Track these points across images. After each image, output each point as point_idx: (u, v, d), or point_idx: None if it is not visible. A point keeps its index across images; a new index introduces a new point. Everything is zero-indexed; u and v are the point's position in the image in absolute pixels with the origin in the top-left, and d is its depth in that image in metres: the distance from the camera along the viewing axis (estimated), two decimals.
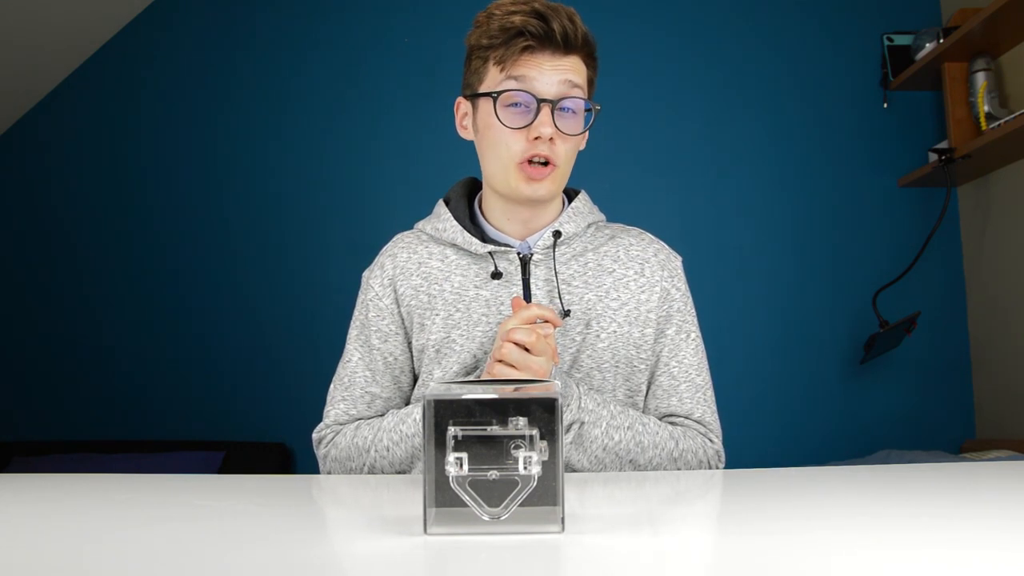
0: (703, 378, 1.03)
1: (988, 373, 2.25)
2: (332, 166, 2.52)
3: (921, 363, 2.31)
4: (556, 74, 0.92)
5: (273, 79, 2.57)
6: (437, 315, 0.98)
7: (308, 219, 2.51)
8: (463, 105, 1.02)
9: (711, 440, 1.00)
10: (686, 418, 1.00)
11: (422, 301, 1.00)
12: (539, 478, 0.52)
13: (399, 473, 0.95)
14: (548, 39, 0.91)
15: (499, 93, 0.92)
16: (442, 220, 1.03)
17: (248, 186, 2.54)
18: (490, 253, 0.99)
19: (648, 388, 1.03)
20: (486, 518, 0.52)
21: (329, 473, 1.00)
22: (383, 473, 0.96)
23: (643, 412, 1.02)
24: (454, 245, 1.02)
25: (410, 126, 2.50)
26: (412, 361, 1.03)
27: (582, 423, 0.90)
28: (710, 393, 1.03)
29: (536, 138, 0.92)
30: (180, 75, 2.61)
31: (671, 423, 1.00)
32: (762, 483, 0.81)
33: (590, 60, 0.98)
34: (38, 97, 2.63)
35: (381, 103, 2.53)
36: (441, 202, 1.07)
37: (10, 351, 2.56)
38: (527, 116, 0.92)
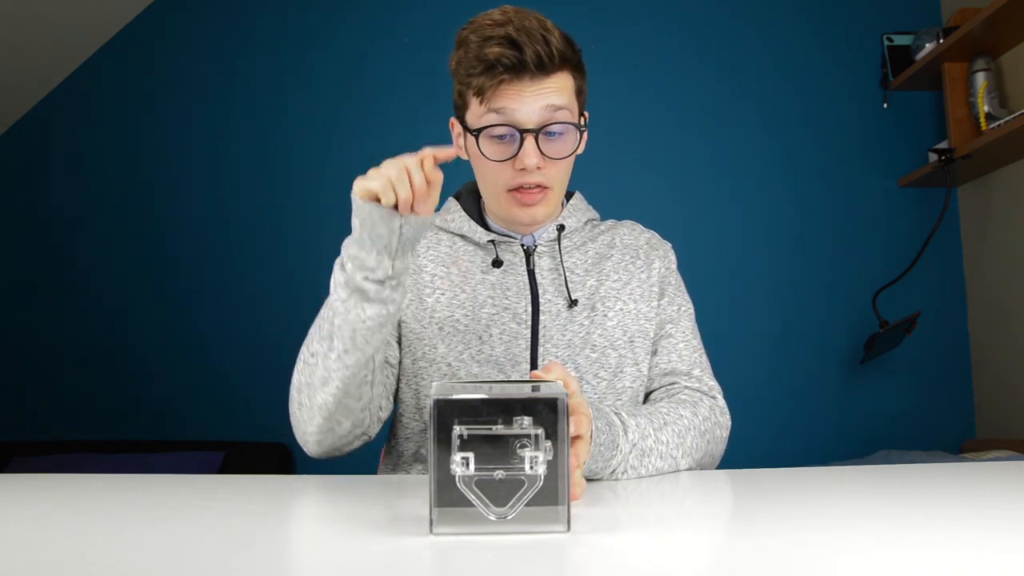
0: (699, 341, 1.08)
1: (988, 373, 2.25)
2: (333, 166, 2.52)
3: (921, 363, 2.31)
4: (537, 100, 0.91)
5: (273, 80, 2.57)
6: (443, 294, 1.01)
7: (309, 219, 2.50)
8: (456, 125, 1.02)
9: (714, 397, 1.01)
10: (687, 375, 1.03)
11: (424, 279, 1.03)
12: (545, 477, 0.52)
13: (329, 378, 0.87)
14: (523, 67, 0.90)
15: (480, 130, 0.93)
16: (451, 212, 1.08)
17: (248, 186, 2.54)
18: (491, 242, 1.03)
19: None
20: (492, 518, 0.52)
21: (298, 389, 0.93)
22: (314, 386, 0.89)
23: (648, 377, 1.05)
24: (461, 235, 1.06)
25: (410, 126, 2.50)
26: (400, 329, 1.03)
27: (634, 444, 0.86)
28: (706, 359, 1.07)
29: (523, 168, 0.93)
30: (180, 75, 2.61)
31: (672, 383, 1.02)
32: (762, 483, 0.81)
33: (574, 72, 0.97)
34: (39, 97, 2.62)
35: (381, 103, 2.53)
36: (451, 198, 1.11)
37: (10, 351, 2.56)
38: (512, 147, 0.92)
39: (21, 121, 2.64)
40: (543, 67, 0.91)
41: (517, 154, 0.92)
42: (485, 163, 0.95)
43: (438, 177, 0.79)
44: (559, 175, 0.97)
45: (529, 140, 0.91)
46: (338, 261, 0.85)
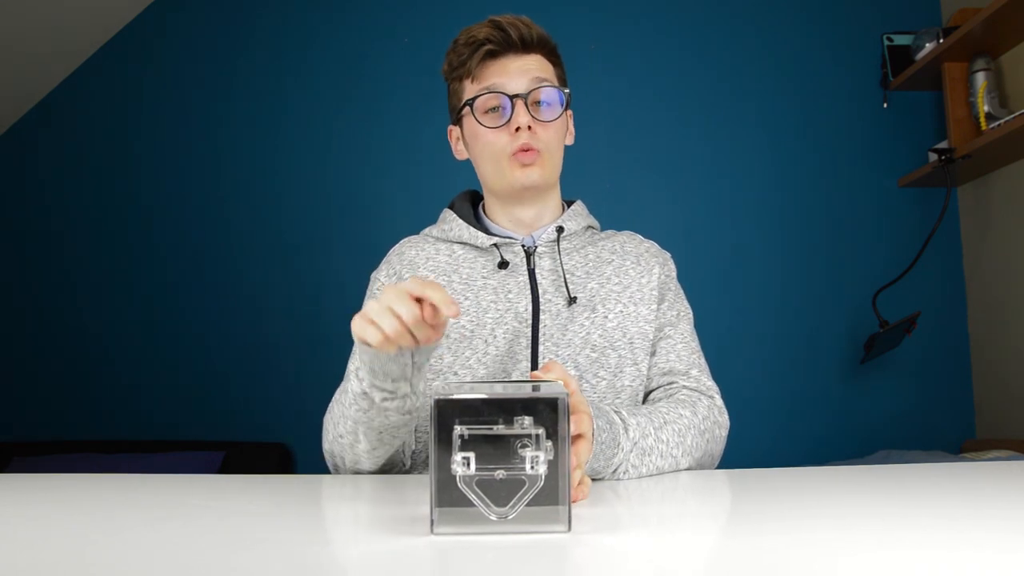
0: (697, 344, 1.09)
1: (988, 373, 2.25)
2: (333, 165, 2.53)
3: (921, 363, 2.31)
4: (522, 73, 1.01)
5: (273, 80, 2.57)
6: None
7: (308, 219, 2.51)
8: (454, 131, 1.12)
9: (711, 397, 1.02)
10: (685, 374, 1.04)
11: None
12: (545, 477, 0.52)
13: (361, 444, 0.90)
14: (507, 43, 1.01)
15: (474, 99, 1.02)
16: (447, 222, 1.10)
17: (248, 186, 2.54)
18: (495, 245, 1.05)
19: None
20: (493, 517, 0.52)
21: (331, 454, 0.97)
22: (346, 440, 0.92)
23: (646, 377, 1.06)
24: (461, 242, 1.08)
25: (411, 126, 2.50)
26: None
27: (635, 443, 0.86)
28: (704, 361, 1.08)
29: (517, 129, 1.00)
30: (180, 75, 2.61)
31: (671, 382, 1.03)
32: (763, 483, 0.81)
33: (553, 58, 1.07)
34: (38, 97, 2.62)
35: (381, 103, 2.53)
36: (446, 208, 1.14)
37: (10, 351, 2.56)
38: (505, 114, 1.01)
39: (21, 121, 2.64)
40: (525, 44, 1.02)
41: (510, 119, 1.00)
42: (483, 134, 1.02)
43: (440, 317, 0.74)
44: (549, 140, 1.03)
45: (519, 103, 1.00)
46: (352, 367, 0.85)
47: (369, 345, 0.75)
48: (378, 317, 0.73)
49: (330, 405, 0.97)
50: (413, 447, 1.00)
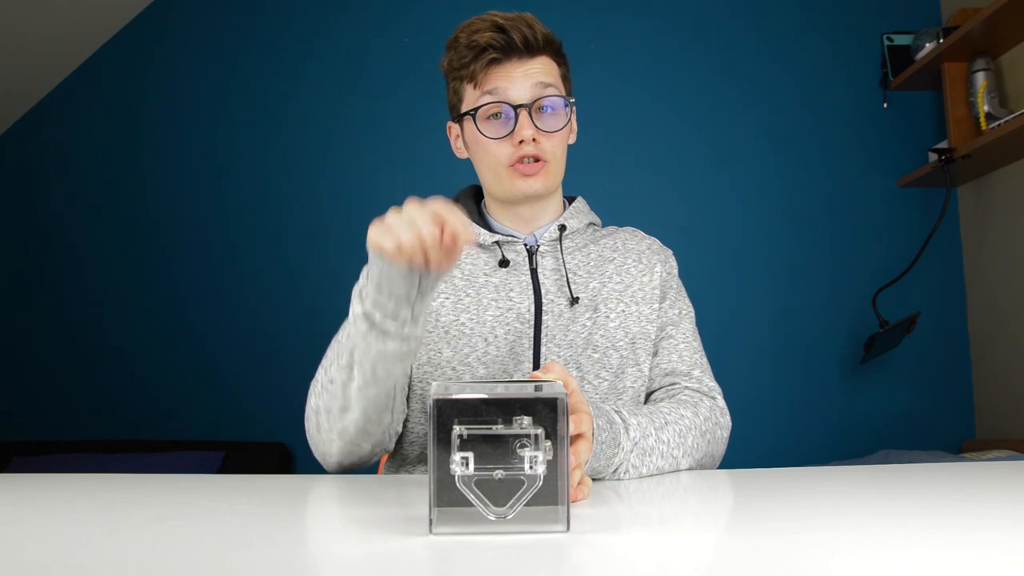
0: (699, 343, 1.08)
1: (988, 373, 2.25)
2: (332, 165, 2.53)
3: (921, 363, 2.31)
4: (526, 79, 0.99)
5: (273, 79, 2.58)
6: (447, 299, 1.01)
7: (309, 219, 2.51)
8: (454, 128, 1.10)
9: (713, 398, 1.02)
10: (687, 375, 1.03)
11: None
12: (544, 477, 0.52)
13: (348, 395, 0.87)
14: (511, 48, 0.98)
15: (476, 110, 1.00)
16: None
17: (248, 186, 2.54)
18: (497, 243, 1.04)
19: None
20: (492, 517, 0.52)
21: (316, 410, 0.92)
22: (335, 402, 0.88)
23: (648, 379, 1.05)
24: None
25: (410, 126, 2.50)
26: None
27: (636, 443, 0.86)
28: (706, 360, 1.07)
29: (520, 142, 0.98)
30: (180, 75, 2.61)
31: (673, 383, 1.03)
32: (763, 483, 0.81)
33: (558, 58, 1.04)
34: (38, 97, 2.63)
35: (381, 103, 2.53)
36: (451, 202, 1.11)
37: (10, 351, 2.56)
38: (508, 124, 0.99)
39: (21, 121, 2.64)
40: (529, 48, 0.99)
41: (513, 129, 0.98)
42: (485, 143, 1.00)
43: (457, 246, 0.75)
44: (554, 149, 1.01)
45: (523, 114, 0.98)
46: (357, 289, 0.83)
47: (383, 252, 0.74)
48: (397, 228, 0.73)
49: (320, 366, 0.93)
50: (399, 430, 0.97)
